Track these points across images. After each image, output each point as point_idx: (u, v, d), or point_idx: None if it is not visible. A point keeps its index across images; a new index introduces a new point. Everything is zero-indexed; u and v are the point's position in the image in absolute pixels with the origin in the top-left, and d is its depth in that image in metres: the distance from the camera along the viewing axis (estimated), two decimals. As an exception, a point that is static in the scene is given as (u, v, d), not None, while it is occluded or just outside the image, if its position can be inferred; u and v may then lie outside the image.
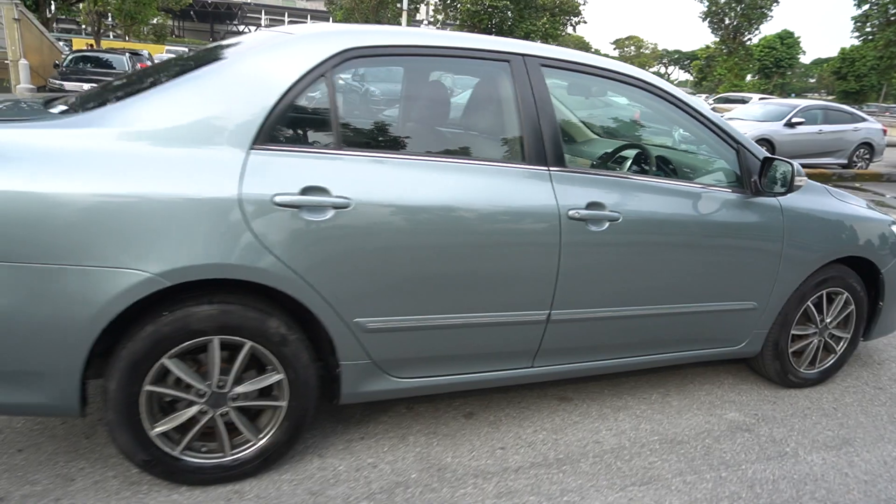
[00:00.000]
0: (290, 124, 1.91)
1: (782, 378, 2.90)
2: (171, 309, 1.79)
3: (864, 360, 3.33)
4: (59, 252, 1.64)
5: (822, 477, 2.28)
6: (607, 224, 2.24)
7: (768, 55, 47.11)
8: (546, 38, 34.24)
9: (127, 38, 35.11)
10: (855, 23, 29.92)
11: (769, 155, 2.53)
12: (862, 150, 11.69)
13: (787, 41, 48.21)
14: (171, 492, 1.94)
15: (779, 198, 2.59)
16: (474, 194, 2.05)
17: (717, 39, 42.88)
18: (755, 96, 19.67)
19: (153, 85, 1.89)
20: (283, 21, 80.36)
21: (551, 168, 2.19)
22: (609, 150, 3.07)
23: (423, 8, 39.92)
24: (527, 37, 34.37)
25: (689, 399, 2.79)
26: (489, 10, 32.56)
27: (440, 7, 34.73)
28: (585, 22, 37.00)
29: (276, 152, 1.85)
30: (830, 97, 48.80)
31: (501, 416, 2.53)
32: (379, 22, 47.42)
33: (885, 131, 12.06)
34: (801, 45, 48.67)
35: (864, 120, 11.82)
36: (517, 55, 2.23)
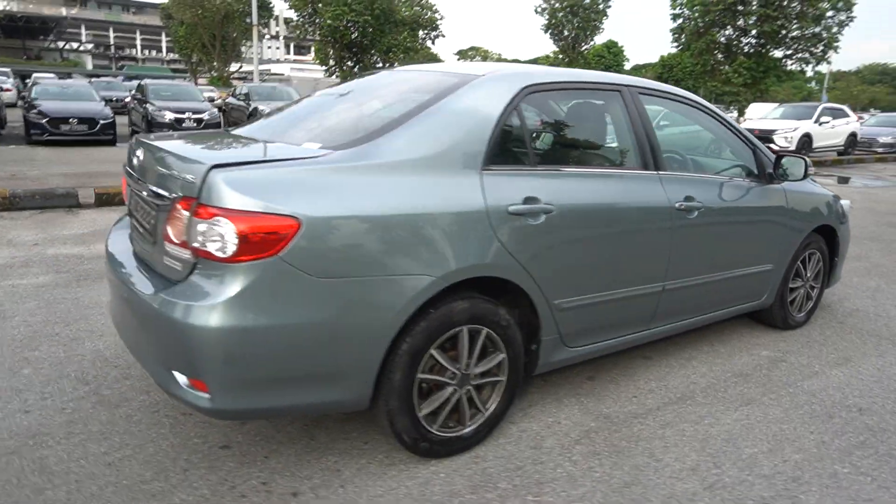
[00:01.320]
0: (501, 148, 2.35)
1: (784, 323, 3.78)
2: (436, 306, 2.15)
3: (820, 305, 4.35)
4: (368, 266, 1.97)
5: (848, 383, 3.14)
6: (696, 212, 2.91)
7: (599, 62, 52.17)
8: (407, 52, 35.29)
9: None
10: (673, 34, 34.47)
11: (781, 152, 3.37)
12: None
13: (612, 50, 53.85)
14: (426, 465, 2.28)
15: (783, 184, 3.44)
16: (623, 195, 2.63)
17: (558, 49, 46.87)
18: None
19: (390, 122, 2.23)
20: (109, 36, 74.23)
21: (659, 171, 2.83)
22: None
23: (272, 24, 39.14)
24: (388, 51, 35.18)
25: (729, 346, 3.57)
26: (349, 25, 32.86)
27: (299, 23, 34.33)
28: (444, 36, 38.65)
29: (498, 172, 2.29)
30: (653, 99, 54.96)
31: (613, 375, 3.11)
32: (224, 37, 45.65)
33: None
34: (624, 53, 54.51)
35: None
36: (623, 86, 2.84)
